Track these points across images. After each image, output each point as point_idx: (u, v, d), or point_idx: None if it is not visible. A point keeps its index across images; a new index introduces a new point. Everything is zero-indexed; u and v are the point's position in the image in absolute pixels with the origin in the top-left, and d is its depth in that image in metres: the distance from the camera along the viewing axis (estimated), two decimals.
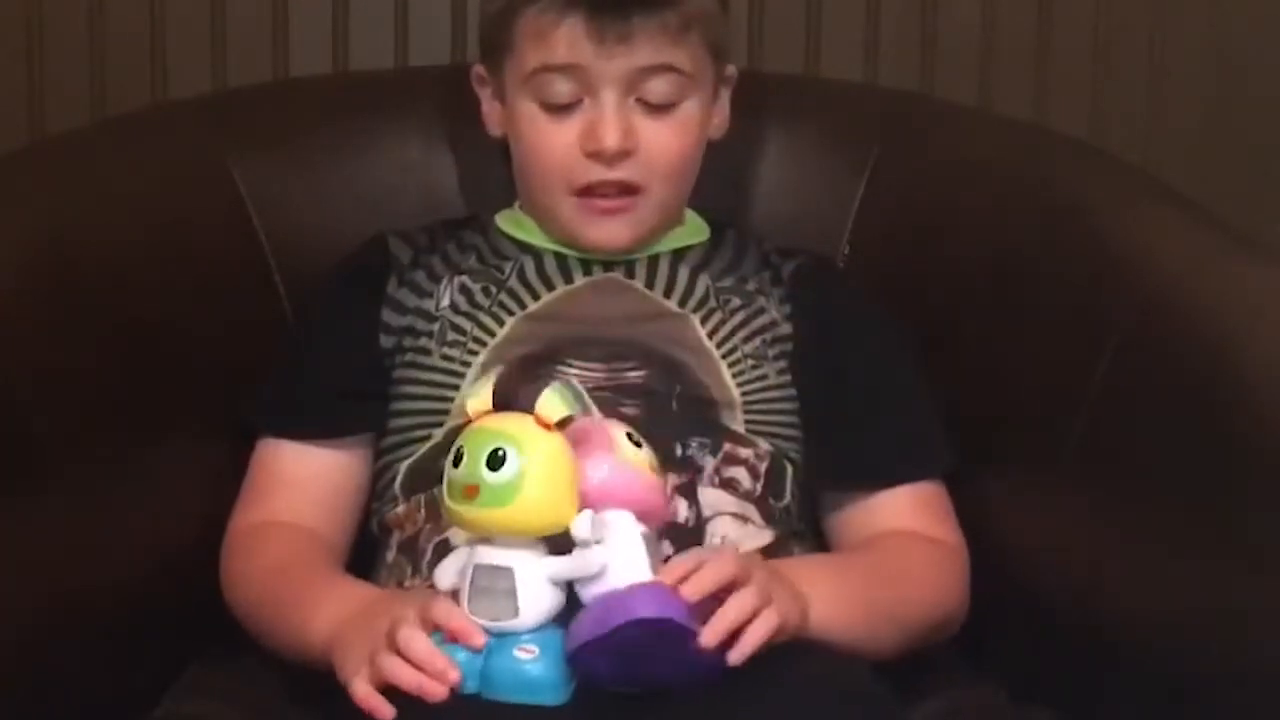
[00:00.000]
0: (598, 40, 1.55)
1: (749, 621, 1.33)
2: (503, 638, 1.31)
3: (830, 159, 1.81)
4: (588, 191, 1.59)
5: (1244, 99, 2.08)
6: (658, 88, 1.57)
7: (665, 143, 1.59)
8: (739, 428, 1.58)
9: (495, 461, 1.29)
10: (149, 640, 1.54)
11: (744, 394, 1.59)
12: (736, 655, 1.31)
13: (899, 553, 1.54)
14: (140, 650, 1.53)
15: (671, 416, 1.56)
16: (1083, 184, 1.70)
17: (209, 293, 1.67)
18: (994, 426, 1.63)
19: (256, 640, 1.53)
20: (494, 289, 1.63)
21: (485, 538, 1.33)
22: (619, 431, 1.37)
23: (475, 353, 1.59)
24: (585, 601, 1.32)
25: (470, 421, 1.33)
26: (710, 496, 1.54)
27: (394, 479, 1.59)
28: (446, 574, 1.36)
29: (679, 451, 1.54)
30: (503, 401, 1.34)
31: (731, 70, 1.66)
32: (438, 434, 1.57)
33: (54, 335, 1.51)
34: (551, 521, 1.31)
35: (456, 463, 1.31)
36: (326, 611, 1.44)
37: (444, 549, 1.48)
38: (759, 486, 1.56)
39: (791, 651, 1.36)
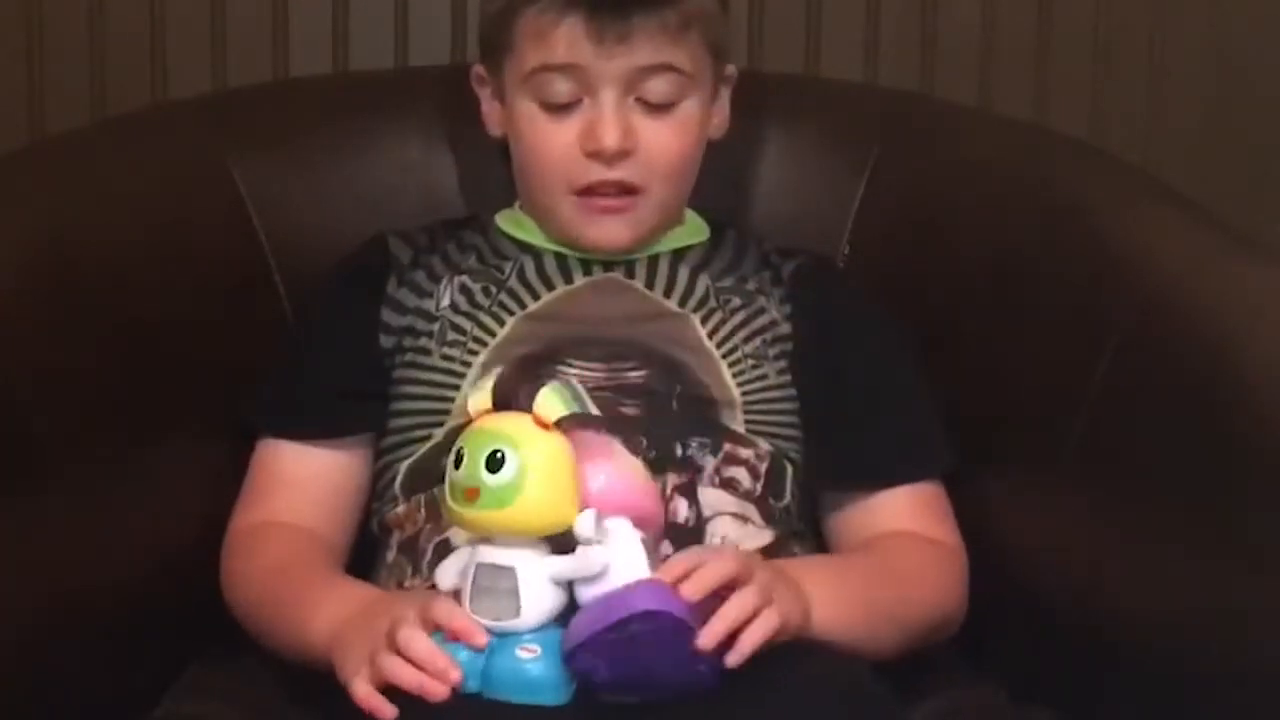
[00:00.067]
0: (597, 40, 1.55)
1: (749, 622, 1.33)
2: (504, 637, 1.31)
3: (830, 159, 1.81)
4: (588, 191, 1.59)
5: (1244, 99, 2.08)
6: (657, 87, 1.57)
7: (665, 142, 1.59)
8: (739, 428, 1.58)
9: (494, 463, 1.29)
10: (149, 640, 1.54)
11: (744, 394, 1.59)
12: (735, 658, 1.31)
13: (899, 554, 1.54)
14: (140, 650, 1.53)
15: (672, 416, 1.56)
16: (1083, 184, 1.70)
17: (209, 293, 1.67)
18: (994, 426, 1.63)
19: (256, 640, 1.53)
20: (494, 289, 1.62)
21: (487, 537, 1.33)
22: (616, 441, 1.38)
23: (475, 353, 1.59)
24: (584, 604, 1.31)
25: (471, 421, 1.33)
26: (710, 496, 1.54)
27: (394, 479, 1.59)
28: (448, 574, 1.36)
29: (679, 451, 1.54)
30: (503, 400, 1.34)
31: (731, 70, 1.66)
32: (438, 434, 1.57)
33: (54, 335, 1.51)
34: (552, 521, 1.32)
35: (457, 464, 1.31)
36: (326, 611, 1.44)
37: (444, 549, 1.48)
38: (759, 486, 1.56)
39: (792, 651, 1.36)
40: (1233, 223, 1.62)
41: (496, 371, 1.36)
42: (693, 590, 1.31)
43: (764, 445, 1.58)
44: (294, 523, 1.57)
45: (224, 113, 1.83)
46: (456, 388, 1.57)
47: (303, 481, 1.59)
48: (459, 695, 1.30)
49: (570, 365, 1.57)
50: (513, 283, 1.63)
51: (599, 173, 1.58)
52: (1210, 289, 1.48)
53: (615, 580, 1.31)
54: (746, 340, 1.61)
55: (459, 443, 1.32)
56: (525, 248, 1.65)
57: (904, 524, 1.57)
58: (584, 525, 1.31)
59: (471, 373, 1.57)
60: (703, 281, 1.64)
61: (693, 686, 1.31)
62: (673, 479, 1.53)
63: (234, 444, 1.61)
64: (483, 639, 1.30)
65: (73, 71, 1.97)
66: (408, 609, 1.34)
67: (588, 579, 1.31)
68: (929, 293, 1.72)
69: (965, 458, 1.60)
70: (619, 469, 1.36)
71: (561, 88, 1.57)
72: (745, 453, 1.57)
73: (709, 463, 1.55)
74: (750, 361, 1.61)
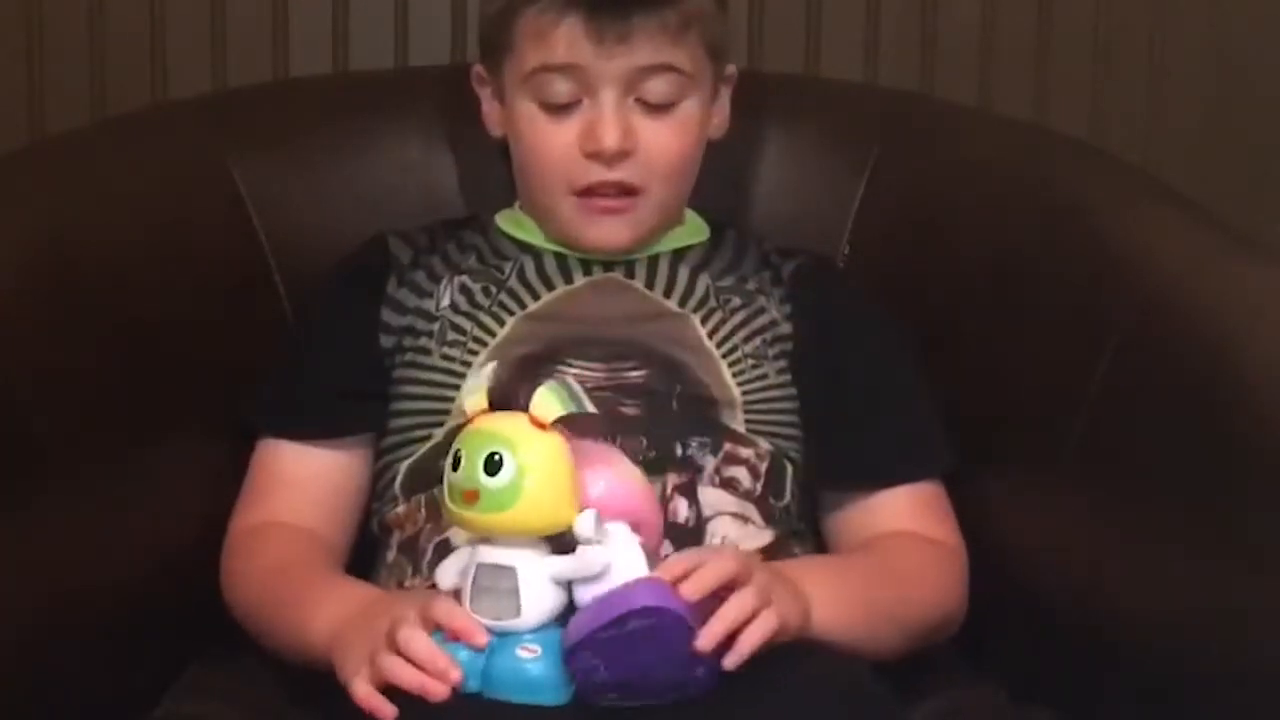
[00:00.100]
0: (597, 40, 1.55)
1: (748, 623, 1.33)
2: (504, 637, 1.31)
3: (830, 159, 1.81)
4: (588, 192, 1.59)
5: (1244, 99, 2.08)
6: (657, 88, 1.57)
7: (665, 143, 1.59)
8: (739, 427, 1.58)
9: (492, 465, 1.29)
10: (149, 640, 1.54)
11: (744, 393, 1.59)
12: (732, 660, 1.31)
13: (899, 554, 1.54)
14: (140, 650, 1.53)
15: (672, 416, 1.56)
16: (1083, 184, 1.70)
17: (209, 293, 1.67)
18: (994, 426, 1.63)
19: (256, 640, 1.53)
20: (494, 289, 1.62)
21: (487, 537, 1.33)
22: (616, 450, 1.38)
23: (475, 353, 1.59)
24: (583, 605, 1.31)
25: (468, 422, 1.33)
26: (710, 496, 1.54)
27: (394, 479, 1.59)
28: (448, 574, 1.36)
29: (679, 451, 1.54)
30: (502, 400, 1.34)
31: (731, 70, 1.66)
32: (438, 434, 1.56)
33: (54, 335, 1.51)
34: (552, 521, 1.31)
35: (455, 466, 1.31)
36: (326, 612, 1.44)
37: (444, 549, 1.48)
38: (759, 486, 1.56)
39: (792, 652, 1.36)
40: (1233, 223, 1.62)
41: (489, 369, 1.36)
42: (692, 590, 1.31)
43: (764, 445, 1.58)
44: (294, 523, 1.57)
45: (224, 113, 1.83)
46: (456, 388, 1.57)
47: (303, 481, 1.59)
48: (459, 695, 1.30)
49: (570, 365, 1.57)
50: (513, 283, 1.63)
51: (599, 173, 1.58)
52: (1210, 289, 1.48)
53: (615, 580, 1.31)
54: (746, 340, 1.61)
55: (456, 444, 1.32)
56: (525, 248, 1.65)
57: (904, 524, 1.57)
58: (584, 525, 1.31)
59: (471, 373, 1.57)
60: (703, 281, 1.64)
61: (691, 689, 1.31)
62: (673, 479, 1.53)
63: (234, 444, 1.61)
64: (483, 639, 1.30)
65: (73, 71, 1.97)
66: (407, 609, 1.34)
67: (588, 579, 1.31)
68: (929, 293, 1.72)
69: (965, 458, 1.60)
70: (619, 476, 1.37)
71: (561, 88, 1.57)
72: (745, 452, 1.57)
73: (709, 462, 1.55)
74: (750, 361, 1.61)
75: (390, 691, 1.31)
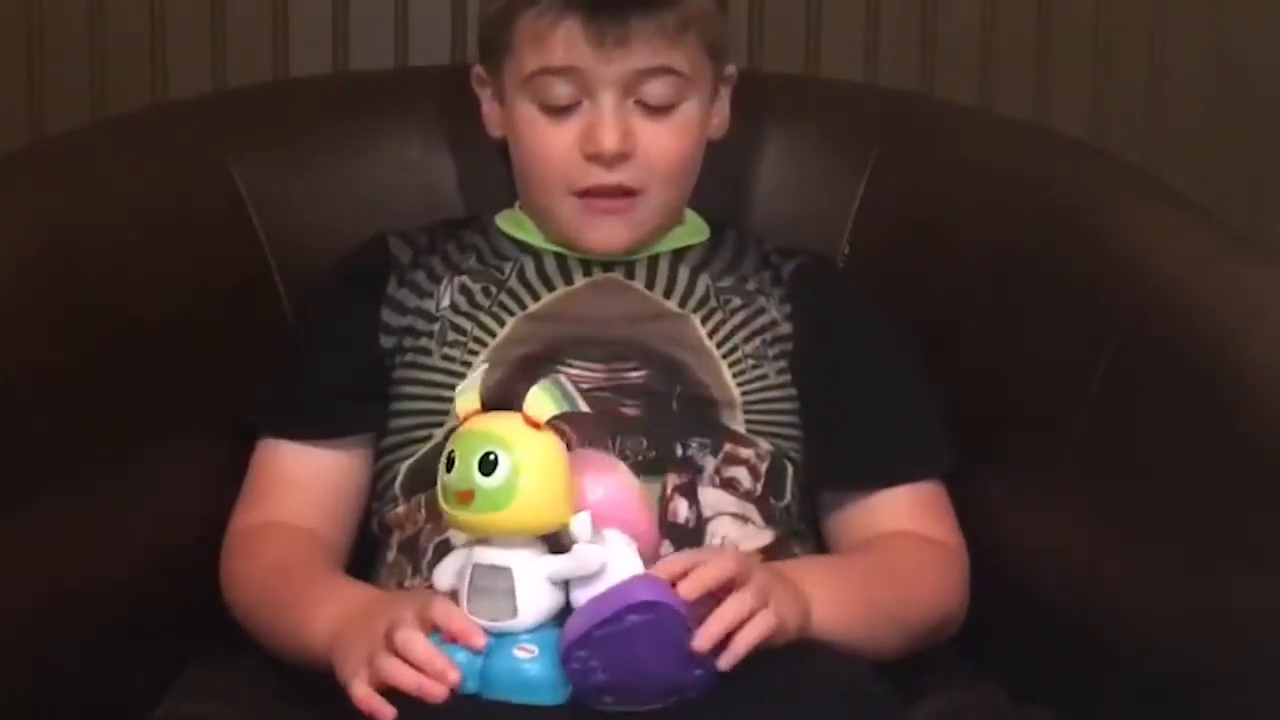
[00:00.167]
0: (596, 43, 1.55)
1: (745, 623, 1.32)
2: (502, 637, 1.31)
3: (830, 159, 1.81)
4: (587, 193, 1.59)
5: (1244, 99, 2.08)
6: (656, 90, 1.57)
7: (664, 145, 1.59)
8: (739, 428, 1.58)
9: (487, 466, 1.29)
10: (149, 640, 1.54)
11: (744, 394, 1.59)
12: (727, 660, 1.31)
13: (899, 554, 1.54)
14: (140, 650, 1.53)
15: (672, 416, 1.56)
16: (1083, 184, 1.70)
17: (209, 293, 1.67)
18: (994, 426, 1.63)
19: (256, 640, 1.53)
20: (494, 289, 1.62)
21: (483, 538, 1.33)
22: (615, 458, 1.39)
23: (476, 353, 1.59)
24: (580, 605, 1.31)
25: (461, 422, 1.33)
26: (711, 497, 1.54)
27: (394, 479, 1.59)
28: (445, 574, 1.36)
29: (679, 452, 1.54)
30: (499, 399, 1.34)
31: (731, 70, 1.66)
32: (438, 434, 1.56)
33: (54, 335, 1.51)
34: (549, 521, 1.31)
35: (449, 467, 1.31)
36: (326, 612, 1.44)
37: (444, 549, 1.47)
38: (759, 486, 1.56)
39: (792, 652, 1.36)
40: (1233, 223, 1.62)
41: (482, 369, 1.36)
42: (690, 589, 1.31)
43: (764, 445, 1.58)
44: (294, 523, 1.57)
45: (224, 113, 1.83)
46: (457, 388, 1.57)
47: (303, 481, 1.59)
48: (457, 696, 1.30)
49: (570, 365, 1.57)
50: (513, 283, 1.63)
51: (598, 176, 1.58)
52: (1210, 289, 1.48)
53: (611, 580, 1.31)
54: (747, 340, 1.61)
55: (449, 445, 1.32)
56: (525, 248, 1.65)
57: (904, 524, 1.57)
58: (580, 526, 1.31)
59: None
60: (703, 281, 1.64)
61: (689, 690, 1.31)
62: (673, 479, 1.53)
63: (234, 444, 1.61)
64: (481, 640, 1.30)
65: (73, 71, 1.97)
66: (406, 610, 1.34)
67: (584, 578, 1.31)
68: (929, 293, 1.72)
69: (965, 458, 1.60)
70: (617, 484, 1.37)
71: (560, 90, 1.57)
72: (745, 453, 1.57)
73: (709, 463, 1.55)
74: (750, 361, 1.61)
75: (389, 692, 1.31)
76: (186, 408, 1.61)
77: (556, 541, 1.33)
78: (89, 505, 1.49)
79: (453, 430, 1.34)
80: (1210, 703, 1.39)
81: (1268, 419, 1.37)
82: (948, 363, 1.66)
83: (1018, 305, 1.65)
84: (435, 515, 1.52)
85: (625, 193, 1.59)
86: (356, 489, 1.61)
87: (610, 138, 1.56)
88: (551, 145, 1.58)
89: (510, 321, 1.60)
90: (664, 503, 1.51)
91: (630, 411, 1.55)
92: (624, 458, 1.51)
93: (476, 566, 1.32)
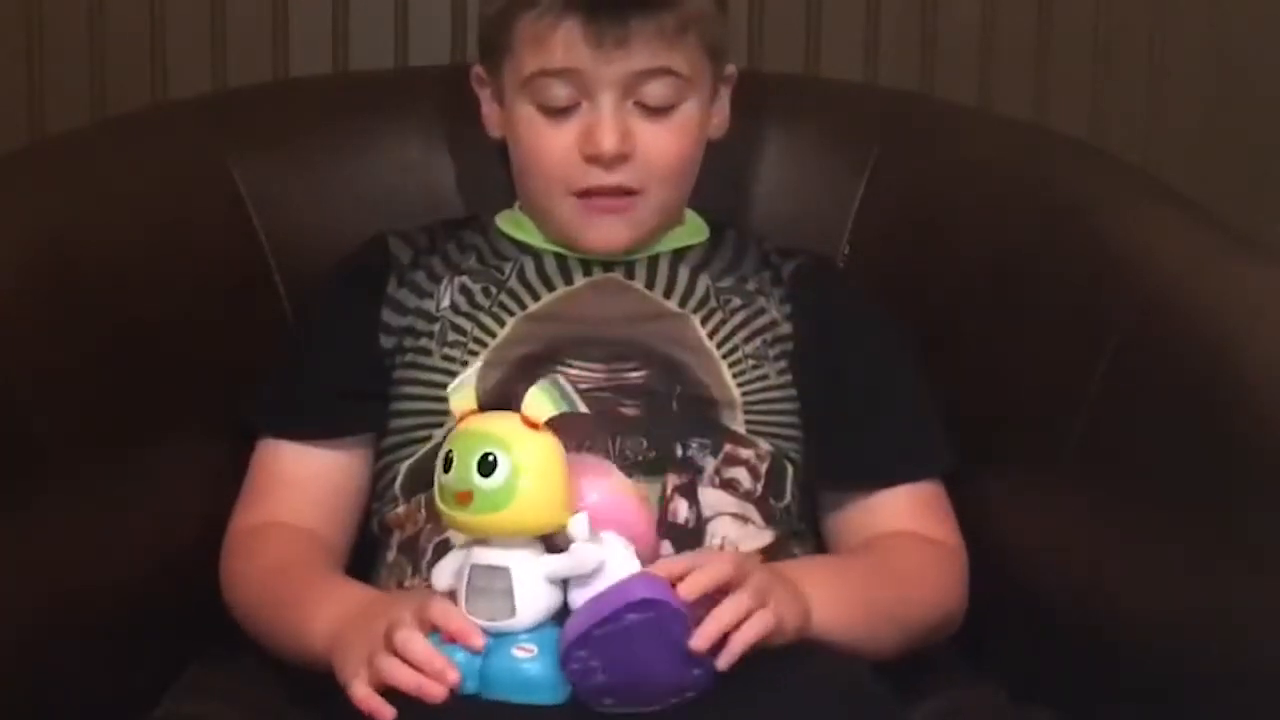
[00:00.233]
0: (595, 44, 1.55)
1: (743, 623, 1.32)
2: (501, 637, 1.31)
3: (830, 159, 1.81)
4: (587, 193, 1.59)
5: (1244, 99, 2.08)
6: (655, 91, 1.57)
7: (664, 146, 1.58)
8: (739, 428, 1.58)
9: (485, 466, 1.29)
10: (149, 640, 1.54)
11: (744, 394, 1.59)
12: (725, 659, 1.31)
13: (899, 553, 1.54)
14: (140, 650, 1.53)
15: (672, 417, 1.56)
16: (1083, 184, 1.70)
17: (209, 293, 1.67)
18: (994, 426, 1.63)
19: (256, 641, 1.53)
20: (494, 289, 1.62)
21: (481, 538, 1.33)
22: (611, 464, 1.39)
23: (476, 353, 1.59)
24: (578, 607, 1.31)
25: (458, 422, 1.33)
26: (711, 497, 1.54)
27: (394, 479, 1.59)
28: (443, 574, 1.36)
29: (679, 452, 1.54)
30: (500, 399, 1.34)
31: (731, 70, 1.66)
32: (438, 434, 1.56)
33: (54, 335, 1.51)
34: (548, 521, 1.31)
35: (446, 468, 1.31)
36: (326, 613, 1.44)
37: (444, 549, 1.48)
38: (759, 487, 1.56)
39: (792, 652, 1.36)
40: (1233, 223, 1.62)
41: (475, 367, 1.36)
42: (688, 589, 1.31)
43: (764, 445, 1.58)
44: (294, 523, 1.57)
45: (224, 113, 1.83)
46: None
47: (303, 482, 1.59)
48: (457, 696, 1.30)
49: (570, 366, 1.57)
50: (513, 283, 1.63)
51: (598, 177, 1.58)
52: (1210, 289, 1.48)
53: (609, 580, 1.31)
54: (747, 340, 1.61)
55: (446, 445, 1.32)
56: (525, 248, 1.65)
57: (904, 523, 1.57)
58: (578, 527, 1.31)
59: None
60: (703, 282, 1.64)
61: (688, 691, 1.31)
62: (673, 479, 1.53)
63: (234, 444, 1.61)
64: (480, 641, 1.30)
65: (73, 71, 1.97)
66: (405, 610, 1.34)
67: (582, 578, 1.31)
68: (929, 293, 1.72)
69: (965, 458, 1.60)
70: (613, 488, 1.37)
71: (560, 92, 1.57)
72: (745, 453, 1.57)
73: (709, 463, 1.55)
74: (751, 362, 1.61)
75: (389, 693, 1.31)
76: (186, 408, 1.61)
77: (554, 542, 1.33)
78: (89, 505, 1.49)
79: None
80: (1210, 703, 1.39)
81: (1268, 419, 1.37)
82: (948, 363, 1.66)
83: (1018, 305, 1.65)
84: (435, 515, 1.52)
85: (625, 193, 1.59)
86: (356, 489, 1.61)
87: (609, 139, 1.56)
88: (551, 146, 1.58)
89: (510, 322, 1.60)
90: (664, 503, 1.51)
91: (630, 412, 1.55)
92: (624, 458, 1.51)
93: (474, 566, 1.32)
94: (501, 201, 1.70)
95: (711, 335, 1.61)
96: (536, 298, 1.62)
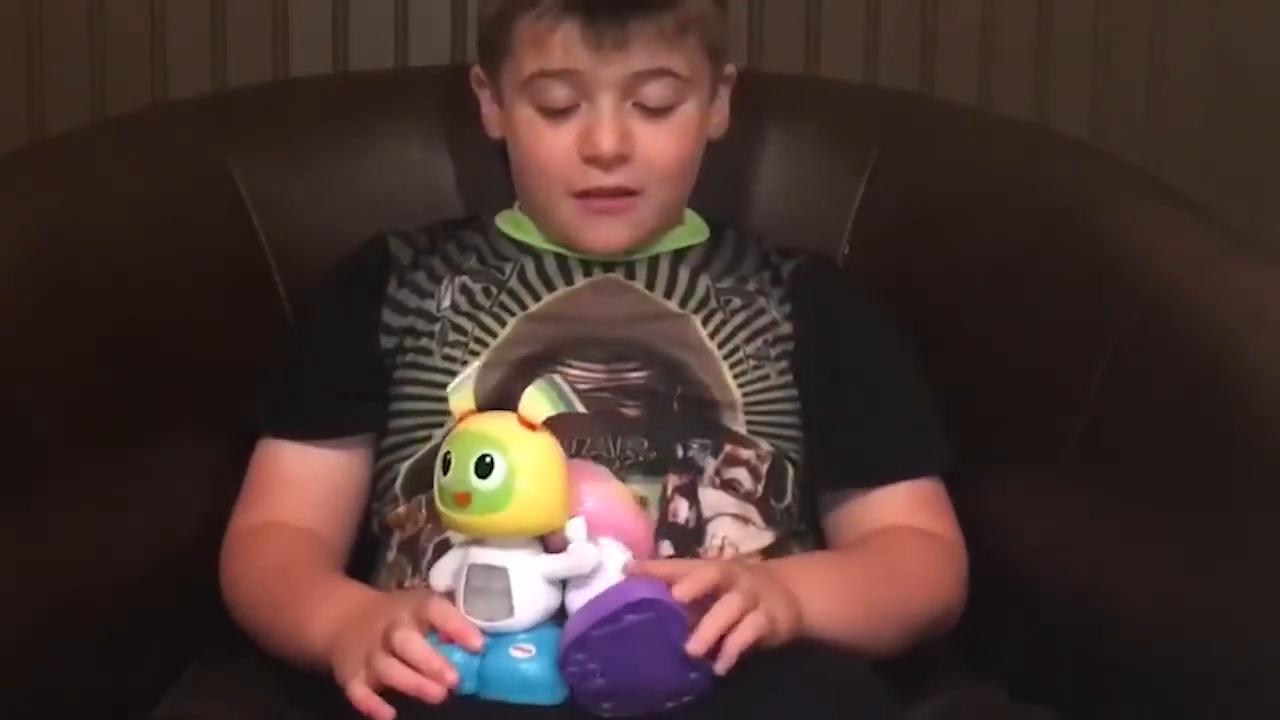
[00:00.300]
0: (594, 45, 1.55)
1: (737, 625, 1.32)
2: (499, 637, 1.31)
3: (830, 159, 1.81)
4: (586, 193, 1.59)
5: (1244, 99, 2.08)
6: (655, 92, 1.57)
7: (663, 146, 1.58)
8: (740, 428, 1.58)
9: (483, 468, 1.29)
10: (149, 640, 1.54)
11: (745, 394, 1.59)
12: (723, 664, 1.31)
13: (896, 548, 1.55)
14: (140, 650, 1.53)
15: (672, 417, 1.56)
16: (1083, 184, 1.70)
17: (209, 293, 1.67)
18: (994, 426, 1.63)
19: (255, 641, 1.53)
20: (494, 290, 1.62)
21: (479, 538, 1.33)
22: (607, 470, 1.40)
23: (476, 353, 1.59)
24: (576, 609, 1.31)
25: (456, 422, 1.33)
26: (711, 498, 1.54)
27: (395, 479, 1.59)
28: (442, 575, 1.36)
29: (680, 452, 1.54)
30: (499, 399, 1.34)
31: (731, 70, 1.66)
32: (439, 434, 1.56)
33: (54, 335, 1.51)
34: (546, 522, 1.32)
35: (445, 469, 1.31)
36: (325, 613, 1.44)
37: (444, 549, 1.47)
38: (760, 487, 1.56)
39: (790, 651, 1.36)
40: (1233, 223, 1.62)
41: (474, 367, 1.36)
42: (684, 591, 1.31)
43: (765, 446, 1.58)
44: (294, 523, 1.57)
45: (224, 113, 1.83)
46: None
47: (303, 482, 1.59)
48: (455, 696, 1.30)
49: (571, 366, 1.57)
50: (513, 283, 1.63)
51: (597, 178, 1.58)
52: (1210, 289, 1.48)
53: (607, 582, 1.31)
54: (748, 340, 1.61)
55: (445, 446, 1.32)
56: (525, 249, 1.65)
57: (903, 519, 1.57)
58: (576, 529, 1.31)
59: None
60: (703, 282, 1.64)
61: (686, 694, 1.31)
62: (673, 480, 1.53)
63: (234, 444, 1.61)
64: (478, 641, 1.30)
65: (73, 71, 1.97)
66: (403, 611, 1.34)
67: (580, 579, 1.31)
68: (929, 293, 1.72)
69: (965, 458, 1.60)
70: (610, 494, 1.37)
71: (559, 93, 1.57)
72: (746, 454, 1.57)
73: (710, 464, 1.55)
74: (751, 362, 1.61)
75: (388, 693, 1.31)
76: (186, 408, 1.61)
77: (552, 545, 1.33)
78: (89, 505, 1.49)
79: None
80: (1210, 703, 1.39)
81: (1268, 419, 1.37)
82: (948, 363, 1.66)
83: (1018, 305, 1.65)
84: (435, 515, 1.52)
85: (624, 193, 1.59)
86: (356, 489, 1.61)
87: (608, 140, 1.56)
88: (550, 147, 1.58)
89: (511, 322, 1.60)
90: (664, 504, 1.51)
91: (631, 412, 1.55)
92: (624, 458, 1.51)
93: (472, 567, 1.32)
94: (501, 201, 1.70)
95: (712, 335, 1.61)
96: (537, 298, 1.62)
